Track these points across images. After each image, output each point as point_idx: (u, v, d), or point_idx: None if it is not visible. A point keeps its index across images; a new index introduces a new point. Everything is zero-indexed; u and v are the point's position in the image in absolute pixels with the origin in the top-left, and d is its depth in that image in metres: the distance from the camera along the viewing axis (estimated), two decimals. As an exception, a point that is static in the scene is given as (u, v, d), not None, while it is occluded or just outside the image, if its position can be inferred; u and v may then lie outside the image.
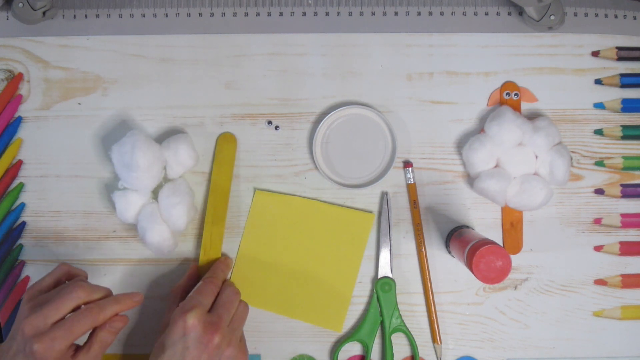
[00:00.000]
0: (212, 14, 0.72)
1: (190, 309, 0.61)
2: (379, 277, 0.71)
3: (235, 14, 0.72)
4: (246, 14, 0.72)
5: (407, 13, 0.73)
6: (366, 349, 0.71)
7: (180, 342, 0.60)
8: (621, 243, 0.72)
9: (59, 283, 0.64)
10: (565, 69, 0.72)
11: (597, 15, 0.73)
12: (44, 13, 0.70)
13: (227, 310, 0.64)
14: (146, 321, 0.72)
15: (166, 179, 0.70)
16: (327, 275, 0.72)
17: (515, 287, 0.72)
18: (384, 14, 0.72)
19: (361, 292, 0.72)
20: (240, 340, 0.65)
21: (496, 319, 0.72)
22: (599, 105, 0.73)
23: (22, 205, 0.72)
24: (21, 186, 0.72)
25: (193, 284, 0.68)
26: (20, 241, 0.72)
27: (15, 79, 0.72)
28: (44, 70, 0.72)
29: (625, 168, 0.72)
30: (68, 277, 0.65)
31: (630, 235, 0.73)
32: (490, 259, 0.60)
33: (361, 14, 0.72)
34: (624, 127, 0.72)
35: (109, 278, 0.72)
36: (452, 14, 0.72)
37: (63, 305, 0.60)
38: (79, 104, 0.72)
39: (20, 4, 0.69)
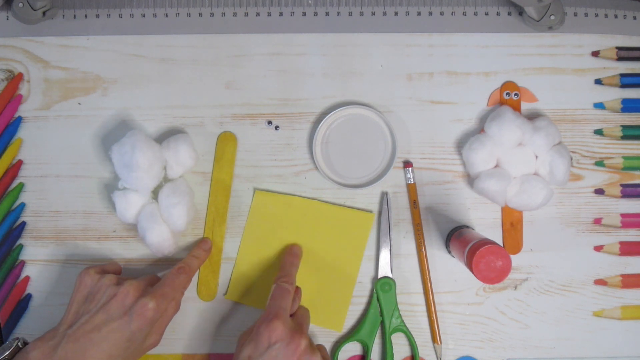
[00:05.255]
0: (212, 14, 0.72)
1: (274, 318, 0.60)
2: (379, 277, 0.71)
3: (235, 14, 0.72)
4: (246, 14, 0.72)
5: (407, 13, 0.73)
6: (366, 349, 0.71)
7: (268, 352, 0.59)
8: (621, 243, 0.72)
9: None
10: (565, 69, 0.72)
11: (597, 15, 0.73)
12: (44, 13, 0.70)
13: (306, 314, 0.66)
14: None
15: (166, 179, 0.70)
16: (327, 275, 0.72)
17: (515, 287, 0.72)
18: (384, 14, 0.72)
19: (361, 292, 0.72)
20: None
21: (496, 319, 0.72)
22: (599, 105, 0.73)
23: (22, 205, 0.72)
24: (21, 186, 0.72)
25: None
26: (20, 241, 0.72)
27: (15, 79, 0.72)
28: (44, 70, 0.72)
29: (625, 168, 0.72)
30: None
31: (630, 235, 0.73)
32: (490, 259, 0.60)
33: (361, 14, 0.72)
34: (624, 127, 0.72)
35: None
36: (452, 14, 0.72)
37: (171, 277, 0.65)
38: (79, 104, 0.72)
39: (20, 4, 0.69)
